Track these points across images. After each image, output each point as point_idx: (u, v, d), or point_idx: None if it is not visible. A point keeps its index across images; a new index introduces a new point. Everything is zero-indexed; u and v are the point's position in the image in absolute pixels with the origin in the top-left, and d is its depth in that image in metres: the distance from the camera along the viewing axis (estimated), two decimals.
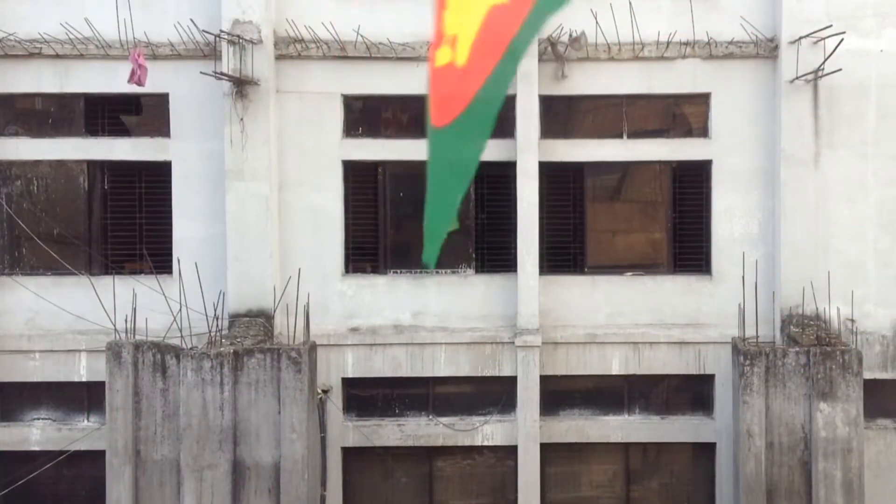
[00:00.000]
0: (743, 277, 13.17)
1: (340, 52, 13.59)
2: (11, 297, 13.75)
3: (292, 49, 13.55)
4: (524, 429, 13.78)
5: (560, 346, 13.84)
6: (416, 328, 13.89)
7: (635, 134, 14.00)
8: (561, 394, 14.07)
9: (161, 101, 13.71)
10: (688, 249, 14.05)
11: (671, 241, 14.10)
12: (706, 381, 13.97)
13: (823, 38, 13.03)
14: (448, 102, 3.22)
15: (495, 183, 13.97)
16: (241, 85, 13.19)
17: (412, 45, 13.57)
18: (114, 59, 13.45)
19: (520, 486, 13.88)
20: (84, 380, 13.71)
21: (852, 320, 13.34)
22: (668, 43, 13.50)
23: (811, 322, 13.29)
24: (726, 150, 13.75)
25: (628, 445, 14.19)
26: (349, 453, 14.02)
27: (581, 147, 13.87)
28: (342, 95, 13.76)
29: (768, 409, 12.26)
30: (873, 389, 13.17)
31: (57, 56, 13.53)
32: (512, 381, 13.85)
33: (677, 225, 14.09)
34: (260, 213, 13.46)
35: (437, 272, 14.01)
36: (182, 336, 12.44)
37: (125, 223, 13.95)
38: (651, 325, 13.87)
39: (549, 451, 14.06)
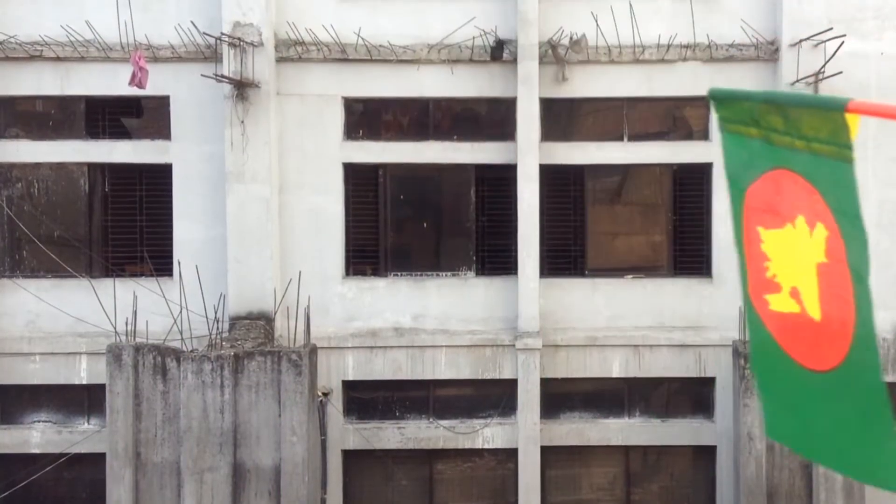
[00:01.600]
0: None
1: (341, 55, 13.59)
2: (12, 300, 13.75)
3: (293, 51, 13.56)
4: (524, 431, 13.77)
5: (560, 348, 13.83)
6: (417, 331, 13.89)
7: (636, 136, 14.00)
8: (561, 396, 14.06)
9: (162, 103, 13.72)
10: (688, 252, 14.05)
11: (672, 243, 14.10)
12: (707, 383, 13.96)
13: (824, 41, 13.03)
14: (821, 351, 3.34)
15: (496, 185, 13.97)
16: (242, 87, 13.20)
17: (412, 47, 13.58)
18: (114, 61, 13.46)
19: (520, 489, 13.87)
20: (84, 382, 13.71)
21: None
22: (669, 45, 13.51)
23: None
24: None
25: (629, 448, 14.18)
26: (349, 456, 14.01)
27: (581, 149, 13.87)
28: (343, 98, 13.76)
29: None
30: None
31: (58, 58, 13.54)
32: (512, 383, 13.84)
33: (678, 227, 14.09)
34: (260, 216, 13.46)
35: (438, 274, 14.02)
36: (182, 338, 12.44)
37: (126, 225, 13.95)
38: (651, 327, 13.87)
39: (550, 454, 14.05)
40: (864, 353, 3.26)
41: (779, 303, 3.46)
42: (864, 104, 3.08)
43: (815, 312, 3.35)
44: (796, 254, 3.37)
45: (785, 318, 3.44)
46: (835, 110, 3.08)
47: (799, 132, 3.21)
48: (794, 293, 3.40)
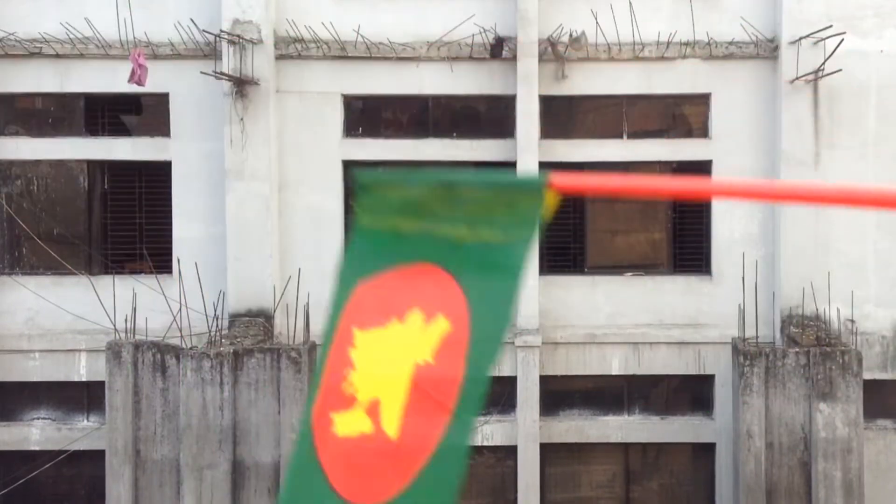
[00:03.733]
0: (743, 278, 13.17)
1: (340, 52, 13.59)
2: (11, 297, 13.75)
3: (292, 49, 13.56)
4: (524, 429, 13.78)
5: (560, 346, 13.83)
6: None
7: (635, 134, 14.00)
8: (561, 394, 14.07)
9: (161, 100, 13.71)
10: (688, 250, 14.06)
11: (671, 241, 14.10)
12: (706, 381, 13.96)
13: (823, 39, 13.03)
14: (382, 479, 2.82)
15: None
16: (242, 85, 13.19)
17: (412, 44, 13.57)
18: (114, 58, 13.45)
19: (519, 487, 13.88)
20: (84, 379, 13.71)
21: (852, 321, 13.34)
22: (669, 43, 13.50)
23: (811, 323, 13.29)
24: (726, 150, 13.75)
25: (628, 446, 14.19)
26: None
27: (581, 147, 13.87)
28: (342, 95, 13.76)
29: (768, 410, 12.26)
30: (873, 390, 13.16)
31: (57, 56, 13.53)
32: (512, 381, 13.84)
33: (677, 225, 14.09)
34: (260, 213, 13.46)
35: None
36: (182, 336, 12.44)
37: (125, 223, 13.95)
38: (651, 325, 13.87)
39: (549, 452, 14.06)
40: (441, 469, 2.76)
41: (347, 423, 2.89)
42: (565, 178, 2.64)
43: (391, 429, 2.80)
44: (391, 356, 2.82)
45: (348, 442, 2.88)
46: (531, 189, 2.67)
47: (467, 216, 2.70)
48: (372, 407, 2.84)
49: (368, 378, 2.86)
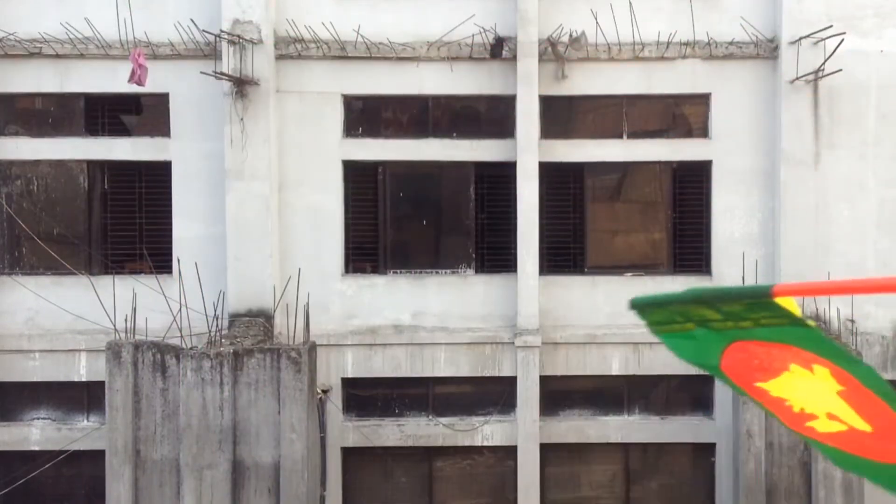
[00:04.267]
0: (743, 277, 13.17)
1: (340, 52, 13.59)
2: (11, 297, 13.75)
3: (292, 49, 13.56)
4: (524, 429, 13.78)
5: (560, 346, 13.83)
6: (416, 328, 13.89)
7: (635, 134, 14.00)
8: (561, 394, 14.07)
9: (161, 100, 13.71)
10: (688, 250, 14.05)
11: (671, 241, 14.10)
12: (706, 381, 13.96)
13: (824, 39, 13.03)
14: (893, 448, 3.30)
15: (495, 183, 13.97)
16: (241, 85, 13.19)
17: (412, 44, 13.57)
18: (114, 58, 13.46)
19: (519, 487, 13.88)
20: (84, 379, 13.71)
21: (852, 321, 13.34)
22: (668, 43, 13.51)
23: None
24: (726, 150, 13.75)
25: (628, 446, 14.19)
26: (349, 453, 14.02)
27: (581, 147, 13.87)
28: (342, 95, 13.76)
29: None
30: None
31: (57, 56, 13.53)
32: (512, 381, 13.85)
33: (677, 225, 14.09)
34: (260, 213, 13.46)
35: (437, 272, 14.02)
36: (182, 336, 12.44)
37: (125, 223, 13.95)
38: None
39: (549, 452, 14.06)
40: None
41: (824, 426, 3.36)
42: (789, 287, 3.02)
43: (863, 427, 3.28)
44: (811, 390, 3.29)
45: (838, 436, 3.36)
46: (762, 297, 3.03)
47: (739, 317, 3.16)
48: (832, 417, 3.32)
49: (807, 403, 3.34)
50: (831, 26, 12.95)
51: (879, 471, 3.39)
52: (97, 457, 13.04)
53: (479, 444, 14.03)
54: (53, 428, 13.84)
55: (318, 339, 13.20)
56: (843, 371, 3.17)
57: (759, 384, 3.38)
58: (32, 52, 13.49)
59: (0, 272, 13.86)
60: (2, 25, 13.41)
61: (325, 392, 13.61)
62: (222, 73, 12.97)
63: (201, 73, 13.05)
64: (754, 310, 3.08)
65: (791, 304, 3.02)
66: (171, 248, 13.66)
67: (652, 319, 3.42)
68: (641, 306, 3.40)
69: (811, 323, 3.07)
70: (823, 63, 12.98)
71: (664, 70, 13.69)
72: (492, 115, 13.98)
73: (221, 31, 13.11)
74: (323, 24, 13.40)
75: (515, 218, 13.67)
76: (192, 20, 13.30)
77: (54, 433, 13.80)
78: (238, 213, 13.43)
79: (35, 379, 13.79)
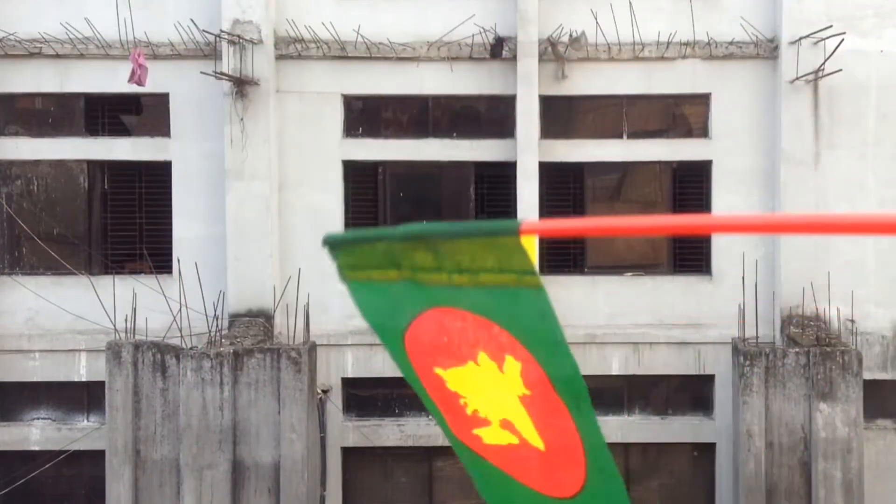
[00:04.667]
0: (743, 278, 13.17)
1: (340, 52, 13.59)
2: (11, 297, 13.74)
3: (292, 49, 13.56)
4: None
5: None
6: None
7: (635, 134, 14.00)
8: None
9: (161, 100, 13.71)
10: (688, 250, 14.05)
11: (671, 241, 14.09)
12: (706, 381, 13.96)
13: (824, 39, 13.03)
14: (557, 478, 2.92)
15: (495, 183, 13.97)
16: (242, 85, 13.19)
17: (412, 44, 13.57)
18: (114, 58, 13.45)
19: None
20: (84, 379, 13.71)
21: (852, 321, 13.34)
22: (668, 43, 13.50)
23: (811, 322, 13.29)
24: (726, 150, 13.75)
25: (628, 446, 14.18)
26: (349, 453, 14.02)
27: (581, 147, 13.87)
28: (342, 95, 13.76)
29: (768, 410, 12.26)
30: (873, 390, 13.16)
31: (57, 56, 13.53)
32: None
33: None
34: (260, 213, 13.46)
35: None
36: (182, 336, 12.44)
37: (125, 223, 13.94)
38: (651, 325, 13.87)
39: None
40: (601, 483, 2.85)
41: (492, 436, 2.95)
42: (539, 225, 2.67)
43: (536, 442, 2.87)
44: (491, 389, 2.85)
45: (505, 449, 2.95)
46: (504, 235, 2.54)
47: (457, 266, 2.64)
48: (506, 425, 2.90)
49: (484, 404, 2.91)
50: (831, 26, 12.95)
51: (533, 502, 2.98)
52: (97, 457, 13.03)
53: None
54: (53, 428, 13.84)
55: (318, 339, 13.19)
56: (538, 367, 2.76)
57: (438, 370, 2.93)
58: (32, 52, 13.49)
59: (0, 272, 13.86)
60: (2, 25, 13.41)
61: (325, 392, 13.61)
62: (222, 73, 12.97)
63: (201, 73, 13.04)
64: (483, 256, 2.59)
65: (531, 251, 2.58)
66: (171, 248, 13.66)
67: (345, 261, 2.89)
68: (337, 242, 2.90)
69: (540, 281, 2.60)
70: (823, 63, 12.97)
71: (664, 70, 13.68)
72: (492, 115, 13.98)
73: (221, 31, 13.11)
74: (323, 24, 13.40)
75: (515, 217, 13.67)
76: (192, 20, 13.30)
77: (54, 433, 13.80)
78: (238, 213, 13.43)
79: (35, 379, 13.79)
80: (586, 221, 2.93)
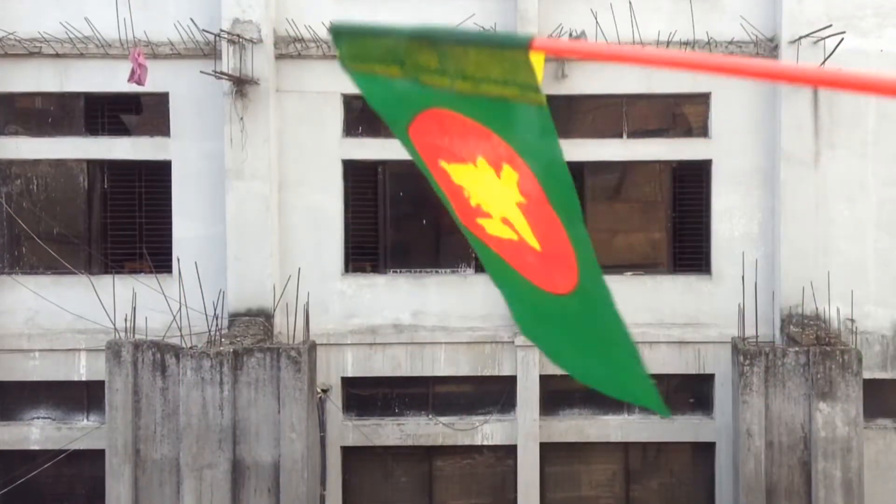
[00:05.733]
0: (743, 277, 13.17)
1: None
2: (11, 297, 13.75)
3: (292, 48, 13.56)
4: (524, 428, 13.78)
5: None
6: (416, 327, 13.90)
7: (635, 134, 14.00)
8: (560, 393, 14.07)
9: (161, 100, 13.71)
10: (687, 249, 14.05)
11: (671, 240, 14.10)
12: (706, 380, 13.97)
13: (823, 38, 13.03)
14: (552, 276, 3.01)
15: None
16: (241, 84, 13.19)
17: None
18: (114, 58, 13.46)
19: (519, 486, 13.88)
20: (84, 379, 13.71)
21: (852, 320, 13.34)
22: (669, 43, 13.50)
23: (811, 322, 13.30)
24: (726, 149, 13.75)
25: (628, 445, 14.19)
26: (349, 453, 14.03)
27: (581, 147, 13.86)
28: (342, 95, 13.75)
29: (768, 409, 12.27)
30: (873, 389, 13.16)
31: (57, 55, 13.53)
32: (511, 380, 13.85)
33: (677, 225, 14.09)
34: (260, 213, 13.46)
35: (437, 271, 14.02)
36: (182, 335, 12.44)
37: (125, 222, 13.95)
38: (651, 324, 13.87)
39: (549, 451, 14.06)
40: (592, 287, 2.94)
41: (494, 228, 3.04)
42: (549, 41, 2.68)
43: (533, 242, 2.96)
44: (491, 190, 2.92)
45: (505, 243, 3.05)
46: (514, 49, 2.47)
47: (461, 72, 2.60)
48: (506, 222, 2.98)
49: (485, 200, 2.99)
50: (831, 26, 12.95)
51: (532, 295, 3.13)
52: (97, 456, 13.04)
53: (479, 443, 14.04)
54: (53, 427, 13.85)
55: (318, 338, 13.20)
56: (534, 180, 2.77)
57: (443, 163, 2.98)
58: (32, 51, 13.49)
59: (0, 272, 13.86)
60: (2, 25, 13.41)
61: (324, 391, 13.61)
62: (222, 73, 12.97)
63: (201, 72, 13.04)
64: (488, 65, 2.54)
65: (539, 68, 2.50)
66: (171, 248, 13.67)
67: (348, 51, 2.88)
68: (343, 31, 2.87)
69: (543, 99, 2.55)
70: (823, 63, 12.97)
71: (664, 69, 13.67)
72: None
73: (221, 30, 13.11)
74: (323, 23, 13.39)
75: None
76: (191, 20, 13.30)
77: (54, 433, 13.80)
78: (238, 212, 13.43)
79: (35, 378, 13.79)
80: (595, 46, 2.93)
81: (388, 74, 2.80)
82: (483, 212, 3.03)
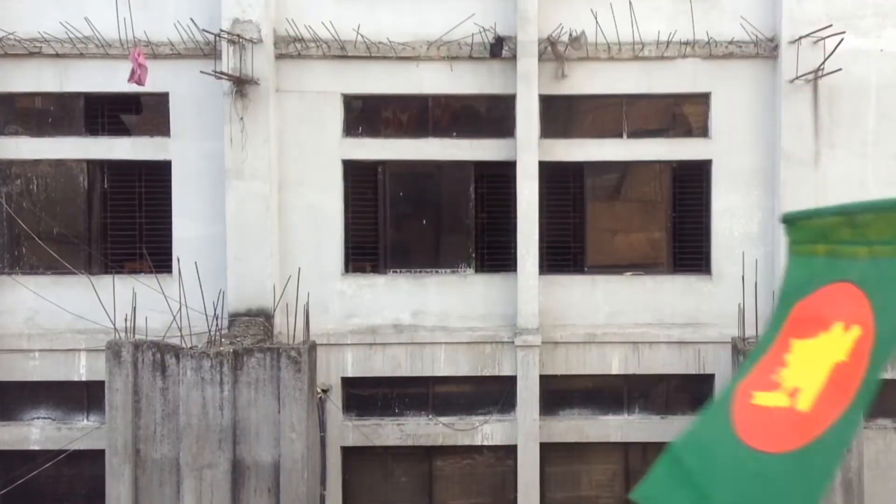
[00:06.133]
0: (743, 277, 13.17)
1: (340, 52, 13.59)
2: (11, 297, 13.75)
3: (292, 48, 13.56)
4: (524, 428, 13.78)
5: (560, 345, 13.84)
6: (416, 327, 13.90)
7: (635, 133, 14.00)
8: (560, 393, 14.07)
9: (161, 100, 13.71)
10: (687, 249, 14.06)
11: (671, 240, 14.11)
12: (706, 380, 13.97)
13: (823, 38, 13.04)
14: (786, 436, 3.39)
15: (495, 182, 13.97)
16: (241, 84, 13.19)
17: (412, 44, 13.57)
18: (114, 58, 13.46)
19: (519, 486, 13.88)
20: (84, 379, 13.71)
21: None
22: (668, 42, 13.51)
23: None
24: (726, 149, 13.75)
25: (628, 445, 14.19)
26: (349, 453, 14.03)
27: (581, 147, 13.87)
28: (342, 95, 13.76)
29: None
30: None
31: (57, 55, 13.53)
32: (512, 380, 13.85)
33: (677, 224, 14.09)
34: (260, 213, 13.46)
35: (437, 271, 14.02)
36: (182, 335, 12.44)
37: (125, 222, 13.95)
38: (651, 324, 13.87)
39: (549, 451, 14.06)
40: (842, 433, 3.37)
41: (766, 399, 3.51)
42: None
43: (804, 406, 3.42)
44: (817, 358, 3.42)
45: (762, 410, 3.49)
46: None
47: (865, 238, 3.23)
48: (793, 393, 3.46)
49: (796, 374, 3.44)
50: (831, 26, 12.95)
51: (732, 456, 3.42)
52: (97, 456, 13.04)
53: (479, 443, 14.04)
54: (53, 427, 13.85)
55: (318, 338, 13.20)
56: (870, 338, 3.25)
57: (792, 339, 3.49)
58: (32, 51, 13.49)
59: (0, 272, 13.86)
60: (2, 25, 13.42)
61: (324, 391, 13.61)
62: (222, 73, 12.97)
63: (201, 72, 13.05)
64: (882, 229, 3.13)
65: None
66: (170, 248, 13.67)
67: (795, 236, 3.56)
68: (793, 218, 3.54)
69: None
70: (823, 62, 12.98)
71: (664, 69, 13.69)
72: (492, 115, 13.98)
73: (221, 30, 13.11)
74: (323, 23, 13.40)
75: (515, 217, 13.67)
76: (191, 20, 13.30)
77: (54, 433, 13.80)
78: (238, 212, 13.43)
79: (35, 378, 13.79)
80: None
81: (816, 252, 3.43)
82: (773, 384, 3.47)
